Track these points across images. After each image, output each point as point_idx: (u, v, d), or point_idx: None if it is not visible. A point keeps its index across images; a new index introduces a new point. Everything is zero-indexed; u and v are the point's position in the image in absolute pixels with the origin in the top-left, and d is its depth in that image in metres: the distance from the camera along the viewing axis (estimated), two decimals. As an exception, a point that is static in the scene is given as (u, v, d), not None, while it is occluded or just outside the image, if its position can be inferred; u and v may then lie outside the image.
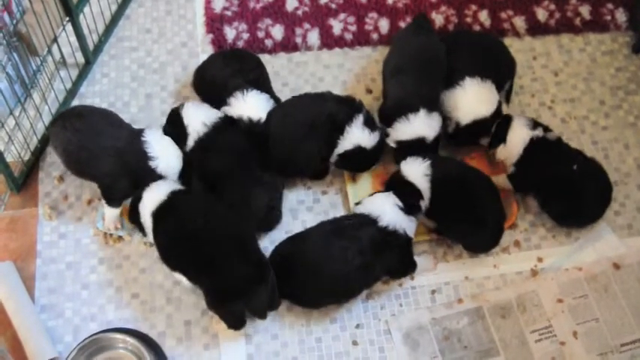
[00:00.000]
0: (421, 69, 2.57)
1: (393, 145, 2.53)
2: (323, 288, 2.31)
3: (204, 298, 2.29)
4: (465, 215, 2.39)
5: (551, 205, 2.50)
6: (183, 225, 2.28)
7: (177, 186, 2.39)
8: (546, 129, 2.49)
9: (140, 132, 2.45)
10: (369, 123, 2.50)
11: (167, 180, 2.42)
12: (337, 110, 2.48)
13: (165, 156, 2.44)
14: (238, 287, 2.22)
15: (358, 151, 2.48)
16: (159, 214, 2.31)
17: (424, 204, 2.39)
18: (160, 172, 2.42)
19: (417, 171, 2.39)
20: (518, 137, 2.47)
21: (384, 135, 2.53)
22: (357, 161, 2.54)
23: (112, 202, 2.45)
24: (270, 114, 2.53)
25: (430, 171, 2.37)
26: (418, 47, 2.63)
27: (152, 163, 2.41)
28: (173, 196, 2.33)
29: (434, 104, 2.53)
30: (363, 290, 2.36)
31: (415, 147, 2.48)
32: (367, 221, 2.33)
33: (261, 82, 2.65)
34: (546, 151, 2.46)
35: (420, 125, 2.47)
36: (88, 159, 2.40)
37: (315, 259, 2.30)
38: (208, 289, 2.26)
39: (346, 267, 2.27)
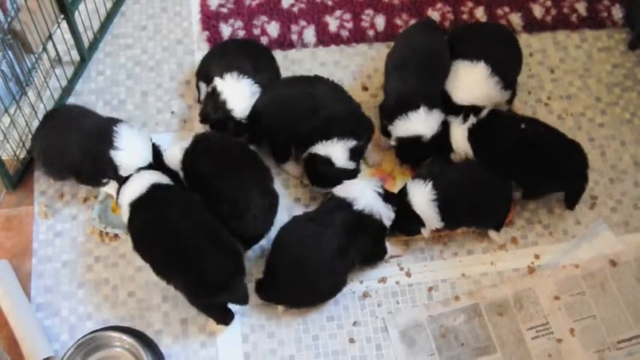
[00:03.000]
0: (424, 65, 2.55)
1: (393, 143, 2.54)
2: (305, 279, 2.30)
3: (185, 296, 2.29)
4: (480, 213, 2.45)
5: (525, 176, 2.47)
6: (160, 220, 2.28)
7: (161, 178, 2.38)
8: (477, 112, 2.50)
9: (115, 121, 2.45)
10: (354, 153, 2.47)
11: (152, 171, 2.41)
12: (342, 121, 2.47)
13: (129, 152, 2.40)
14: (219, 280, 2.23)
15: (324, 161, 2.46)
16: (136, 206, 2.32)
17: (428, 229, 2.41)
18: (118, 164, 2.39)
19: (422, 198, 2.37)
20: (458, 136, 2.50)
21: (356, 172, 2.51)
22: (315, 172, 2.50)
23: (94, 186, 2.48)
24: (286, 81, 2.59)
25: (436, 195, 2.36)
26: (423, 44, 2.61)
27: (112, 152, 2.38)
28: (152, 189, 2.33)
29: (435, 101, 2.52)
30: (343, 276, 2.35)
31: (413, 144, 2.49)
32: (342, 205, 2.34)
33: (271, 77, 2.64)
34: (488, 129, 2.47)
35: (419, 123, 2.47)
36: (58, 155, 2.43)
37: (292, 252, 2.31)
38: (188, 286, 2.26)
39: (322, 252, 2.28)
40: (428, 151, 2.52)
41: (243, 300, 2.31)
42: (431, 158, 2.57)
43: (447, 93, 2.57)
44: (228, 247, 2.27)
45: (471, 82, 2.55)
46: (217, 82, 2.54)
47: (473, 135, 2.47)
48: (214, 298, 2.28)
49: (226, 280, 2.24)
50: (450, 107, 2.55)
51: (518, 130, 2.45)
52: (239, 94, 2.52)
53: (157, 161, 2.47)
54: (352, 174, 2.49)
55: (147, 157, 2.43)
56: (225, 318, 2.34)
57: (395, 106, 2.51)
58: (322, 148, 2.45)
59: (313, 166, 2.49)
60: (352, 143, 2.46)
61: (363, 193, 2.36)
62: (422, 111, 2.47)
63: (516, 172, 2.46)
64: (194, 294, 2.27)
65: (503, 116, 2.53)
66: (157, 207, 2.31)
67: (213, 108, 2.52)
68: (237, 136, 2.53)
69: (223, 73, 2.55)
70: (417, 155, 2.55)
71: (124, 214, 2.35)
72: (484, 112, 2.49)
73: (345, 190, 2.39)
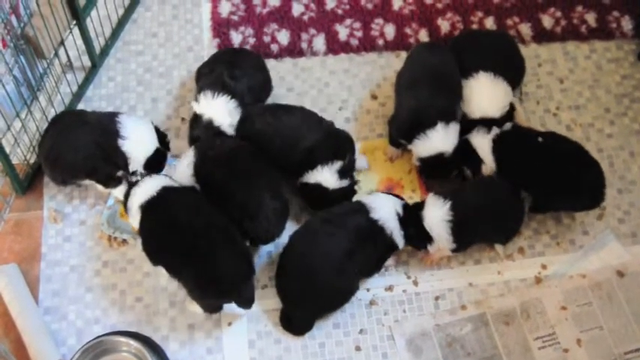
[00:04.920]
0: (436, 81, 2.54)
1: (416, 163, 2.54)
2: (315, 278, 2.30)
3: (188, 290, 2.29)
4: (491, 227, 2.46)
5: (544, 191, 2.46)
6: (173, 220, 2.29)
7: (170, 181, 2.39)
8: (501, 124, 2.50)
9: (116, 114, 2.50)
10: (343, 172, 2.46)
11: (161, 175, 2.43)
12: (320, 148, 2.45)
13: (135, 139, 2.46)
14: (232, 283, 2.25)
15: (317, 188, 2.46)
16: (148, 208, 2.33)
17: (436, 246, 2.40)
18: (126, 152, 2.44)
19: (437, 217, 2.36)
20: (484, 148, 2.48)
21: (353, 185, 2.51)
22: (312, 199, 2.50)
23: (107, 184, 2.50)
24: (282, 111, 2.54)
25: (451, 216, 2.35)
26: (432, 61, 2.60)
27: (120, 142, 2.43)
28: (164, 191, 2.34)
29: (451, 115, 2.50)
30: (354, 280, 2.35)
31: (436, 162, 2.48)
32: (361, 208, 2.35)
33: (252, 88, 2.63)
34: (509, 140, 2.47)
35: (438, 141, 2.46)
36: (66, 155, 2.45)
37: (302, 255, 2.33)
38: (197, 287, 2.27)
39: (331, 251, 2.28)
40: (451, 166, 2.50)
41: (249, 303, 2.32)
42: (455, 173, 2.56)
43: (465, 110, 2.58)
44: (240, 249, 2.29)
45: (489, 94, 2.56)
46: (194, 105, 2.57)
47: (496, 146, 2.47)
48: (223, 300, 2.30)
49: (238, 284, 2.26)
50: (468, 123, 2.56)
51: (539, 144, 2.45)
52: (219, 111, 2.53)
53: (162, 144, 2.55)
54: (349, 189, 2.49)
55: (154, 142, 2.50)
56: (216, 310, 2.36)
57: (411, 125, 2.50)
58: (310, 177, 2.45)
59: (308, 195, 2.49)
60: (338, 164, 2.45)
61: (383, 205, 2.37)
62: (439, 127, 2.45)
63: (535, 186, 2.45)
64: (203, 295, 2.29)
65: (525, 130, 2.54)
66: (168, 208, 2.32)
67: (202, 130, 2.53)
68: None
69: (199, 90, 2.57)
70: (440, 171, 2.52)
71: (134, 217, 2.36)
72: (507, 125, 2.49)
73: (370, 197, 2.42)
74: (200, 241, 2.24)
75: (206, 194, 2.40)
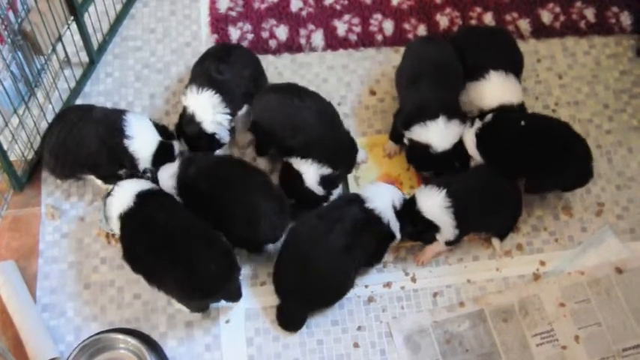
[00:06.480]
0: (439, 75, 2.54)
1: (406, 142, 2.54)
2: (312, 274, 2.30)
3: (173, 295, 2.30)
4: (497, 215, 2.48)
5: (532, 171, 2.47)
6: (150, 226, 2.29)
7: (145, 185, 2.38)
8: (482, 117, 2.50)
9: (123, 112, 2.50)
10: (326, 180, 2.45)
11: (137, 180, 2.42)
12: (322, 147, 2.46)
13: (141, 138, 2.46)
14: (217, 282, 2.26)
15: (295, 176, 2.45)
16: (125, 217, 2.32)
17: (443, 236, 2.41)
18: (132, 153, 2.45)
19: (434, 204, 2.37)
20: (468, 142, 2.48)
21: (327, 198, 2.50)
22: (285, 180, 2.49)
23: (108, 181, 2.51)
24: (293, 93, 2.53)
25: (449, 202, 2.35)
26: (433, 55, 2.61)
27: (126, 142, 2.43)
28: (138, 198, 2.32)
29: (454, 110, 2.50)
30: (349, 276, 2.35)
31: (422, 151, 2.48)
32: (355, 199, 2.36)
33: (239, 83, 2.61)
34: (493, 131, 2.46)
35: (434, 134, 2.45)
36: (70, 149, 2.46)
37: (301, 249, 2.33)
38: (183, 291, 2.27)
39: (329, 248, 2.28)
40: (436, 164, 2.50)
41: (236, 297, 2.34)
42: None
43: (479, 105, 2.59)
44: (221, 247, 2.29)
45: (500, 89, 2.57)
46: (182, 98, 2.57)
47: (480, 139, 2.46)
48: (210, 301, 2.31)
49: (222, 284, 2.26)
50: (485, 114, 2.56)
51: (520, 127, 2.45)
52: (202, 106, 2.52)
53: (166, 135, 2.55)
54: (319, 199, 2.47)
55: (155, 137, 2.50)
56: (203, 309, 2.37)
57: (414, 115, 2.49)
58: (296, 163, 2.45)
59: (285, 175, 2.49)
60: (327, 171, 2.45)
61: (380, 195, 2.37)
62: (440, 121, 2.45)
63: (524, 167, 2.46)
64: (189, 297, 2.29)
65: (507, 117, 2.53)
66: (145, 214, 2.31)
67: (186, 122, 2.53)
68: (210, 150, 2.56)
69: (190, 83, 2.58)
70: (423, 163, 2.53)
71: (116, 225, 2.35)
72: (489, 116, 2.48)
73: (365, 187, 2.43)
74: (179, 243, 2.24)
75: (192, 209, 2.39)
